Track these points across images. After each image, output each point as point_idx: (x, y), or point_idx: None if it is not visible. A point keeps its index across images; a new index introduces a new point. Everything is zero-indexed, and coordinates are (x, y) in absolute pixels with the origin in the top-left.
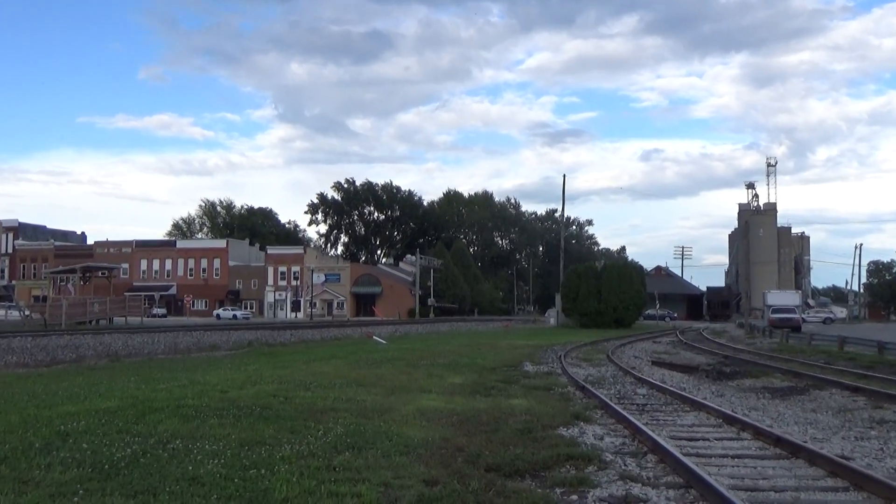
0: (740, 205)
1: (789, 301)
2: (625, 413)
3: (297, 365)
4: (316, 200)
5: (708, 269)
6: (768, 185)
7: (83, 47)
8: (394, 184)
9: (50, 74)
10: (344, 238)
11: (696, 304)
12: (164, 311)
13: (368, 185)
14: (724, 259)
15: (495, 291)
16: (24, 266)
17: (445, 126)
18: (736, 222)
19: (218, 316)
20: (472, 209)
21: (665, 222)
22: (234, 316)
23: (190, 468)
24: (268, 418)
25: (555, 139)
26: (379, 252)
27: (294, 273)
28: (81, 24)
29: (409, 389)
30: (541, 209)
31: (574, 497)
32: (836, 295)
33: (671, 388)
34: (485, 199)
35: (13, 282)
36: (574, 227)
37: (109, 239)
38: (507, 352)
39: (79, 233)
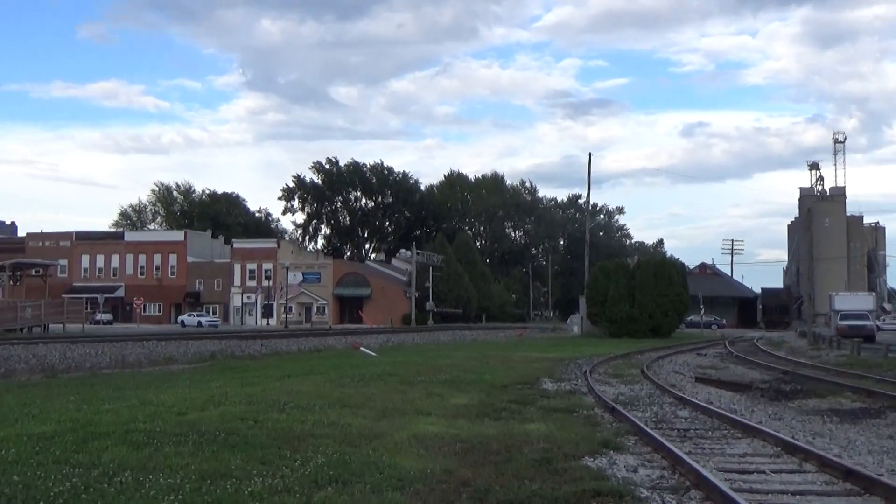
0: (802, 189)
1: (861, 305)
2: (663, 440)
3: (268, 382)
4: (292, 184)
5: (763, 266)
6: (836, 165)
7: (10, 1)
8: (385, 164)
9: None
10: (325, 229)
11: (748, 308)
12: (109, 316)
13: (354, 166)
14: (783, 255)
15: (507, 294)
16: None
17: (447, 95)
18: (797, 210)
19: (183, 323)
20: (478, 195)
21: (711, 210)
22: (200, 323)
23: None
24: (234, 446)
25: (578, 111)
26: (367, 246)
27: (265, 271)
28: None
29: (403, 411)
30: (562, 195)
31: None
32: None
33: (719, 410)
34: (494, 182)
35: None
36: (602, 216)
37: (45, 230)
38: (521, 366)
39: (8, 223)
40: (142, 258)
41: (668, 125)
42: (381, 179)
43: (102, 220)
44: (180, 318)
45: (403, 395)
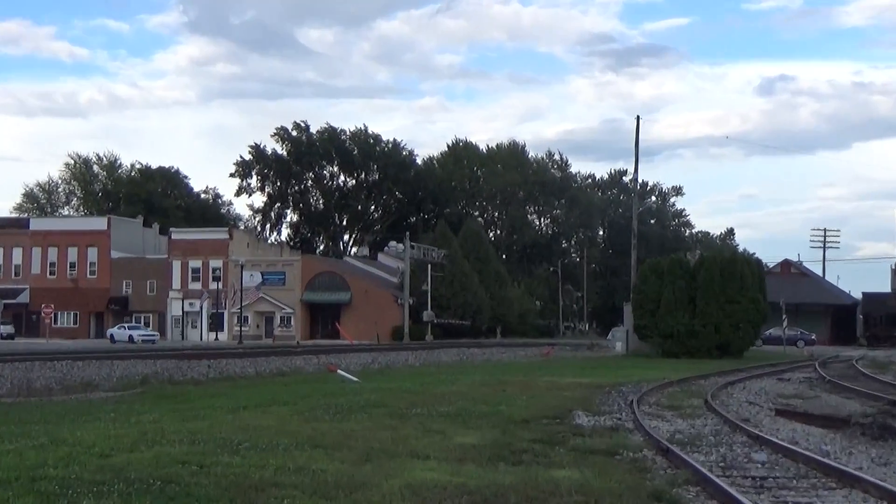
0: None
1: None
2: (733, 491)
3: (218, 415)
4: (248, 156)
5: (865, 264)
6: None
7: None
8: (370, 130)
9: None
10: (292, 216)
11: (845, 319)
12: (10, 328)
13: (330, 133)
14: (891, 249)
15: (529, 300)
16: None
17: (451, 39)
18: None
19: (112, 337)
20: (492, 170)
21: (797, 191)
22: (131, 338)
23: None
24: (173, 498)
25: (623, 61)
26: (347, 238)
27: (214, 270)
28: None
29: (393, 453)
30: (601, 170)
31: None
32: None
33: (806, 453)
34: (513, 154)
35: None
36: (654, 198)
37: None
38: (547, 395)
39: None
40: (52, 253)
41: (740, 79)
42: (364, 150)
43: (1, 204)
44: (109, 331)
45: (394, 432)
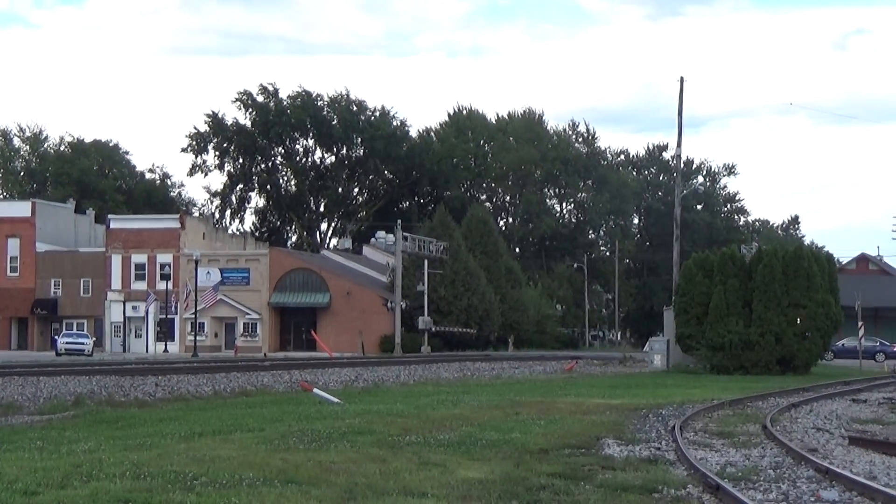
0: None
1: None
2: None
3: (168, 442)
4: (204, 127)
5: None
6: None
7: None
8: (353, 96)
9: None
10: (257, 200)
11: None
12: None
13: (304, 98)
14: None
15: (548, 304)
16: None
17: None
18: None
19: (57, 347)
20: (503, 144)
21: (877, 170)
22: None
23: None
24: None
25: (664, 9)
26: (325, 227)
27: (162, 266)
28: None
29: (382, 491)
30: (636, 145)
31: None
32: None
33: (887, 490)
34: (528, 124)
35: None
36: (700, 178)
37: None
38: (570, 419)
39: None
40: None
41: (809, 33)
42: (346, 120)
43: None
44: (57, 339)
45: (383, 464)
